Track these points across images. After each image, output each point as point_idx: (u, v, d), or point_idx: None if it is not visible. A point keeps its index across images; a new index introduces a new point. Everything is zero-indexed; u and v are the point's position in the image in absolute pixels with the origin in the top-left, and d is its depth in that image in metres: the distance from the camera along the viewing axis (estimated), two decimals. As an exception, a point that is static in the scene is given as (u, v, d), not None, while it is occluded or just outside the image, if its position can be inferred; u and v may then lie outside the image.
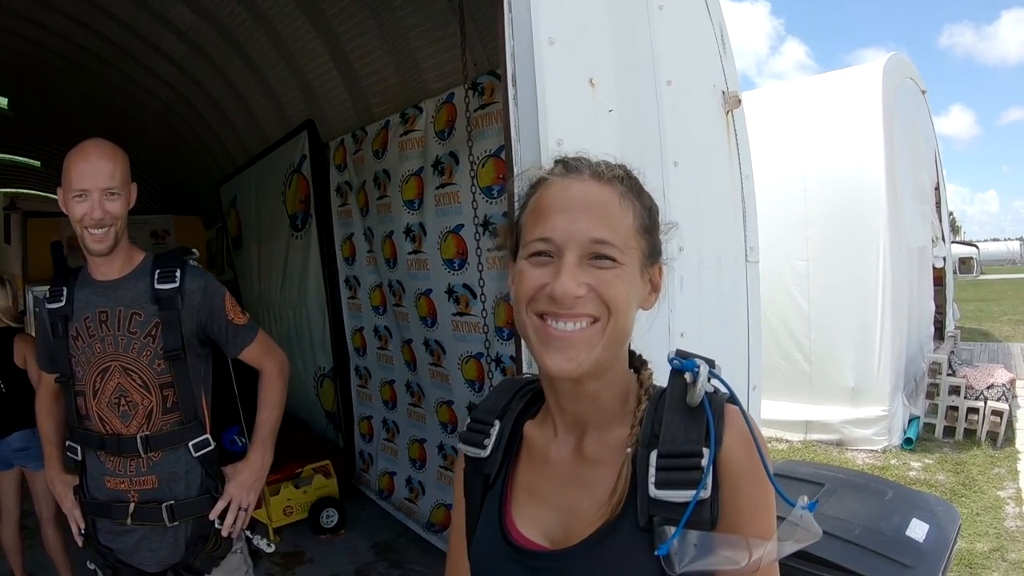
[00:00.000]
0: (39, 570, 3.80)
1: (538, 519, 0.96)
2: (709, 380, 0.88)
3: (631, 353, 0.99)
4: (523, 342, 1.77)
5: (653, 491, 0.84)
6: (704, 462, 0.83)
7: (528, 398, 1.07)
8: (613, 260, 0.87)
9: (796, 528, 0.81)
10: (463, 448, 1.06)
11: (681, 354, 0.92)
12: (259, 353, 2.16)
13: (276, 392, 2.18)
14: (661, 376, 0.98)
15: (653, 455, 0.85)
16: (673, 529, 0.80)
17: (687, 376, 0.89)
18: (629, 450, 0.89)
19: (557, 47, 1.83)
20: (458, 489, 1.09)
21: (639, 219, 0.92)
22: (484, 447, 1.02)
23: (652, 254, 0.95)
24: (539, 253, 0.89)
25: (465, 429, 1.07)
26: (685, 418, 0.87)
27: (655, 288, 0.97)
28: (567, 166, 0.94)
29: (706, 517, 0.83)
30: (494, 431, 1.03)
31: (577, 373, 0.88)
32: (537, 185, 0.95)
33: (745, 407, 0.90)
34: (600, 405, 0.94)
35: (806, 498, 0.81)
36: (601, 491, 0.90)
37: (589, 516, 0.89)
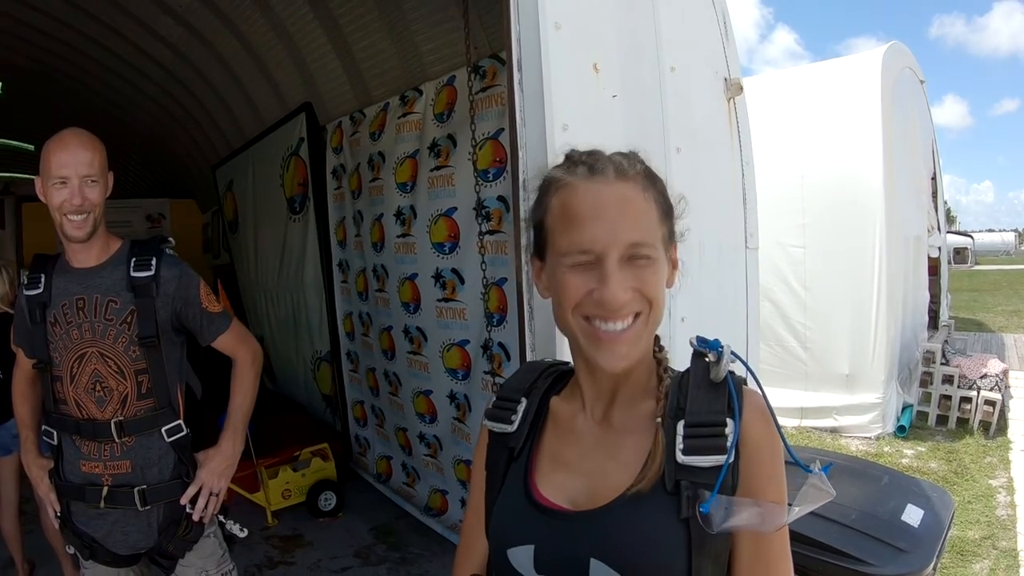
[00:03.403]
0: (39, 556, 3.80)
1: (563, 484, 1.00)
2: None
3: None
4: (526, 331, 1.79)
5: (681, 457, 0.90)
6: (728, 430, 0.90)
7: (553, 378, 1.12)
8: (648, 257, 0.93)
9: (811, 491, 0.87)
10: (489, 424, 1.10)
11: (701, 339, 0.99)
12: (233, 342, 2.19)
13: (248, 381, 2.21)
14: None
15: (680, 424, 0.92)
16: (708, 492, 0.87)
17: (711, 355, 0.96)
18: (659, 420, 0.95)
19: (563, 32, 1.81)
20: (478, 467, 1.12)
21: (660, 207, 0.97)
22: (511, 423, 1.07)
23: (671, 235, 1.01)
24: (579, 263, 0.93)
25: (491, 407, 1.11)
26: (709, 392, 0.94)
27: (674, 266, 1.03)
28: (592, 169, 0.96)
29: (728, 483, 0.89)
30: (521, 407, 1.07)
31: (629, 367, 0.95)
32: (560, 187, 0.97)
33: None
34: (632, 379, 1.00)
35: (819, 462, 0.89)
36: (627, 457, 0.96)
37: (615, 480, 0.95)
